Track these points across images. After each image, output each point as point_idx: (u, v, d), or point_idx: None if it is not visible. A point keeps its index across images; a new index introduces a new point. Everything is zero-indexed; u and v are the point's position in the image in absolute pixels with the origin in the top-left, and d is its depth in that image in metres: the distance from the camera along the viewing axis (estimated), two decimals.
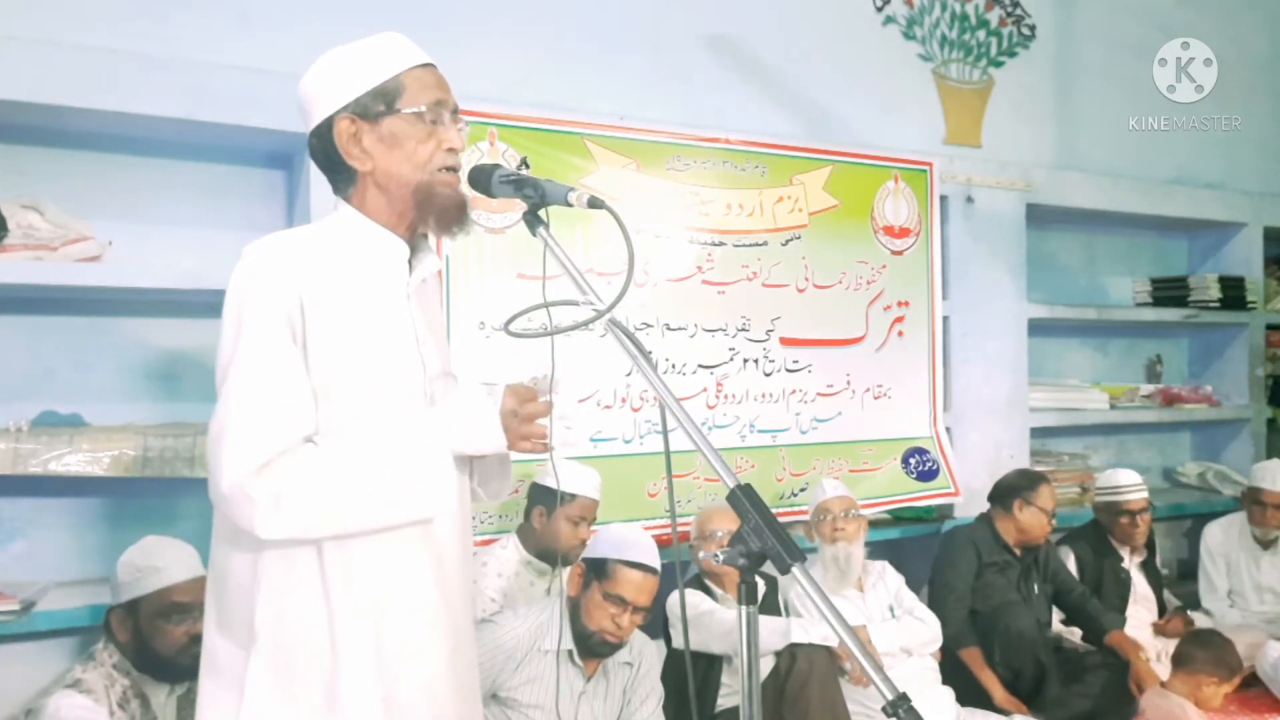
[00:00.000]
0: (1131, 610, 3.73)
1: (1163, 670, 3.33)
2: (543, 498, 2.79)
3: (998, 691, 3.17)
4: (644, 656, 2.64)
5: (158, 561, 2.24)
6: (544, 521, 2.77)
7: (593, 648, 2.45)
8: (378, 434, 1.41)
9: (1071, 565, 3.72)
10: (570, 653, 2.46)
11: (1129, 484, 3.76)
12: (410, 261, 1.55)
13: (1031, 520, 3.44)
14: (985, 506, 3.60)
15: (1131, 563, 3.81)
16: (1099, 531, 3.82)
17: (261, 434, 1.35)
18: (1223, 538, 4.10)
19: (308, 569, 1.41)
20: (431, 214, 1.51)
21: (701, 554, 2.94)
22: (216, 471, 1.36)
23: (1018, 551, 3.47)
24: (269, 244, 1.45)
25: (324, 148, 1.51)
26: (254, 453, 1.34)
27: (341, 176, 1.52)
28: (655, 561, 2.45)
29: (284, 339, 1.39)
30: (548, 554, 2.81)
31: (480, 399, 1.46)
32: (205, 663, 1.49)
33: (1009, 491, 3.51)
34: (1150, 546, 3.93)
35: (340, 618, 1.41)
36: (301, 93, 1.54)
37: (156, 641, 2.20)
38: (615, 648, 2.47)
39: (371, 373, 1.46)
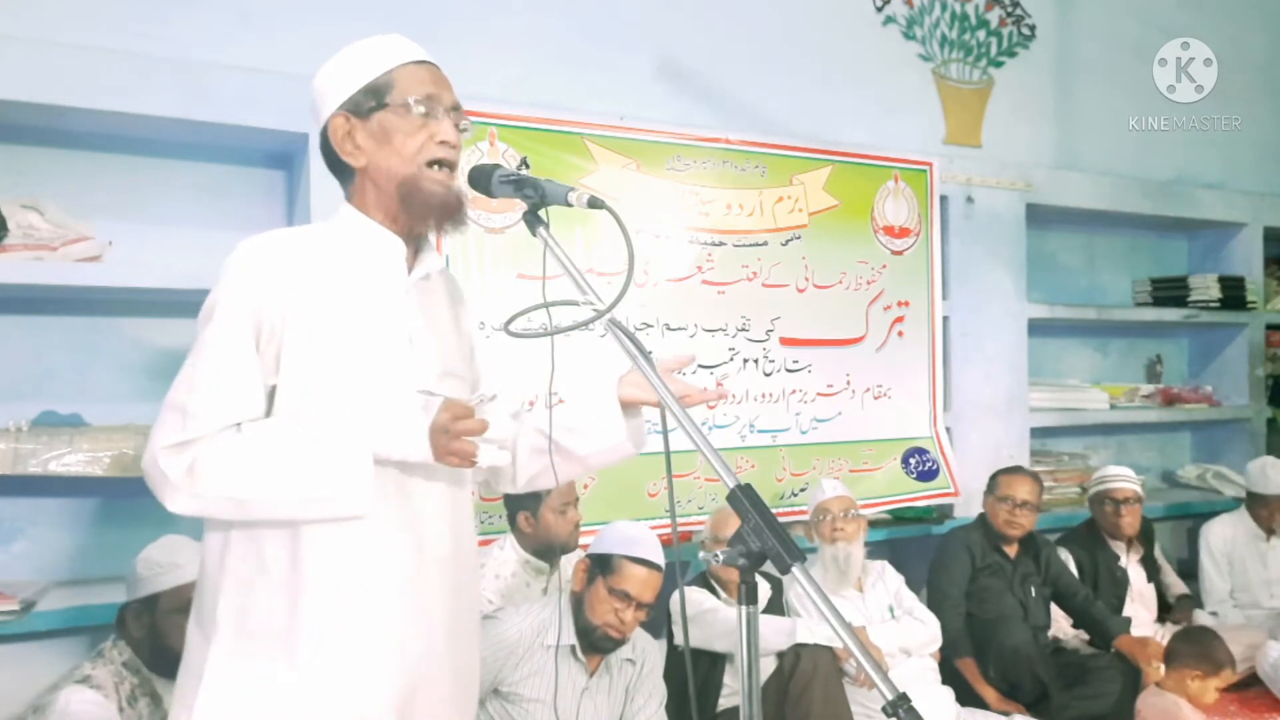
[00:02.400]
0: (1130, 609, 3.73)
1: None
2: (523, 502, 2.77)
3: (991, 699, 3.19)
4: (647, 655, 2.65)
5: (178, 558, 2.26)
6: (533, 522, 2.77)
7: (596, 643, 2.45)
8: (301, 427, 1.41)
9: (1069, 565, 3.71)
10: (573, 648, 2.46)
11: (1117, 474, 3.80)
12: (415, 258, 1.55)
13: (994, 510, 3.46)
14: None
15: (1129, 560, 3.82)
16: (1094, 530, 3.84)
17: (191, 416, 1.38)
18: (1226, 535, 4.10)
19: (274, 561, 1.42)
20: (416, 210, 1.50)
21: (701, 554, 2.94)
22: (147, 446, 1.41)
23: (1010, 551, 3.48)
24: (260, 241, 1.47)
25: (325, 146, 1.53)
26: (178, 431, 1.38)
27: (344, 175, 1.54)
28: (660, 558, 2.46)
29: (242, 335, 1.41)
30: (544, 551, 2.80)
31: (410, 409, 1.43)
32: (183, 656, 1.50)
33: (985, 493, 3.56)
34: (1148, 542, 3.93)
35: (302, 611, 1.41)
36: (311, 96, 1.56)
37: (172, 638, 2.21)
38: (618, 643, 2.47)
39: (349, 370, 1.45)
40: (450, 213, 1.51)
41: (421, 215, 1.50)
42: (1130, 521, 3.74)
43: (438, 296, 1.61)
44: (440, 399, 1.43)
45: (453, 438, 1.39)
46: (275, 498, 1.39)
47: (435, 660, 1.51)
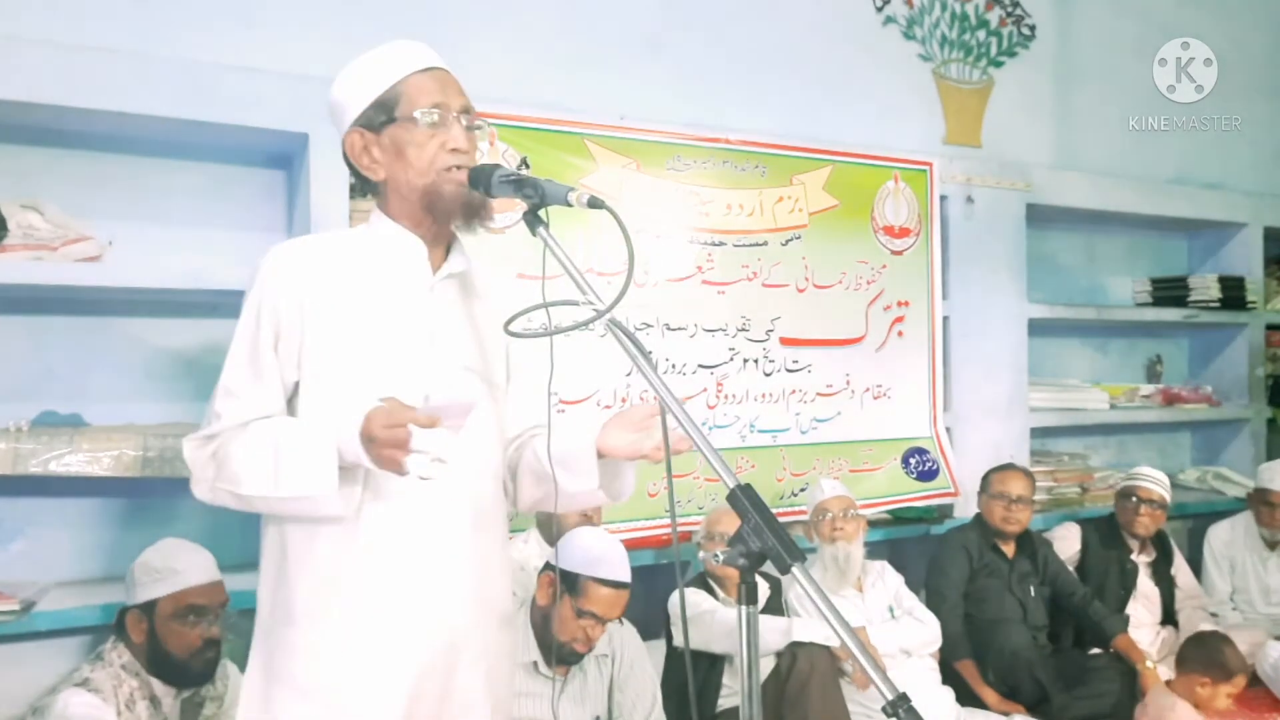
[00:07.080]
0: (1131, 607, 3.73)
1: (1166, 672, 3.34)
2: None
3: (991, 700, 3.19)
4: (625, 646, 2.63)
5: (176, 563, 2.26)
6: (557, 517, 2.76)
7: (563, 656, 2.44)
8: (289, 429, 1.46)
9: (1076, 543, 3.74)
10: (535, 664, 2.43)
11: (1150, 475, 3.80)
12: (445, 258, 1.60)
13: (990, 509, 3.46)
14: None
15: (1139, 559, 3.81)
16: (1114, 523, 3.85)
17: (214, 413, 1.51)
18: (1228, 538, 4.09)
19: (292, 553, 1.51)
20: (441, 213, 1.55)
21: (702, 554, 2.94)
22: None
23: (1008, 550, 3.48)
24: (287, 245, 1.57)
25: (346, 160, 1.58)
26: (206, 429, 1.51)
27: (369, 184, 1.60)
28: (627, 575, 2.41)
29: (262, 337, 1.50)
30: None
31: (356, 414, 1.39)
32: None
33: (979, 492, 3.56)
34: (1164, 551, 3.91)
35: (304, 603, 1.49)
36: (329, 106, 1.61)
37: (171, 643, 2.21)
38: (583, 655, 2.47)
39: (364, 367, 1.50)
40: (475, 210, 1.56)
41: (447, 217, 1.56)
42: (1145, 522, 3.74)
43: (464, 295, 1.64)
44: (376, 405, 1.38)
45: (381, 446, 1.35)
46: (264, 494, 1.44)
47: (456, 664, 1.54)
